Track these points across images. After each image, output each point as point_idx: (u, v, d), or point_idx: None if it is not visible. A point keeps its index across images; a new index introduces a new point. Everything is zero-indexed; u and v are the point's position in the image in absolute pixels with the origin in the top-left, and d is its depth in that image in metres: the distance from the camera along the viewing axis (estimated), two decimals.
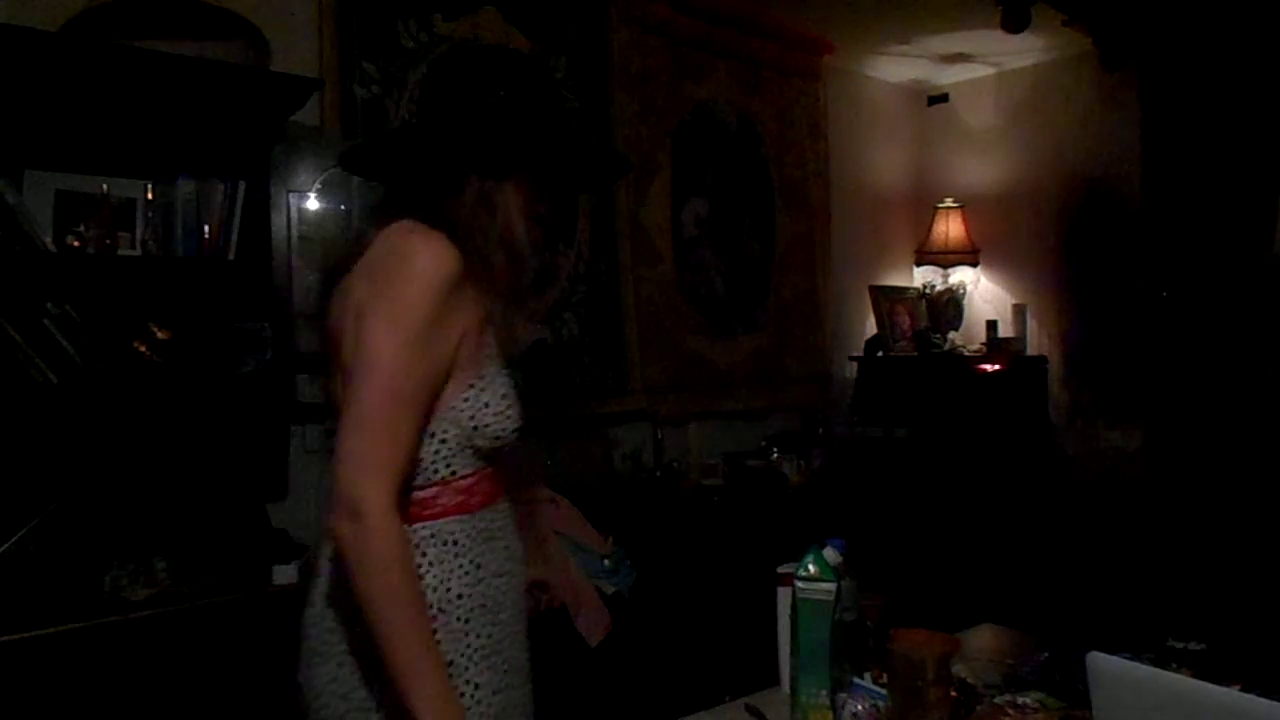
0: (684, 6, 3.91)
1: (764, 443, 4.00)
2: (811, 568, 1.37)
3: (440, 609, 1.22)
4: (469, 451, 1.26)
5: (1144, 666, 1.13)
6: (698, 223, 4.04)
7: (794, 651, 1.39)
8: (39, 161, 2.28)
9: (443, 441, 1.24)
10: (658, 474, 3.57)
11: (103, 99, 2.27)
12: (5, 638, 1.92)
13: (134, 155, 2.39)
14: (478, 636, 1.25)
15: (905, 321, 4.65)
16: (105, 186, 2.34)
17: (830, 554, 1.43)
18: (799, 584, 1.38)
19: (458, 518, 1.26)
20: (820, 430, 4.22)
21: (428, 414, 1.21)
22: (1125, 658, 1.06)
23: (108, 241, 2.32)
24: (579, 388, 3.54)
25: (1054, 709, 1.40)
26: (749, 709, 1.48)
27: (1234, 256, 3.87)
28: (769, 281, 4.32)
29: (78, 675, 2.00)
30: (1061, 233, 4.55)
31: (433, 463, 1.24)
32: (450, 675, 1.20)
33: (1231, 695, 0.94)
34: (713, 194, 4.09)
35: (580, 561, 2.82)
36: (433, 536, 1.24)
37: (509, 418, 1.28)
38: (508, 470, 1.37)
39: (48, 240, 2.25)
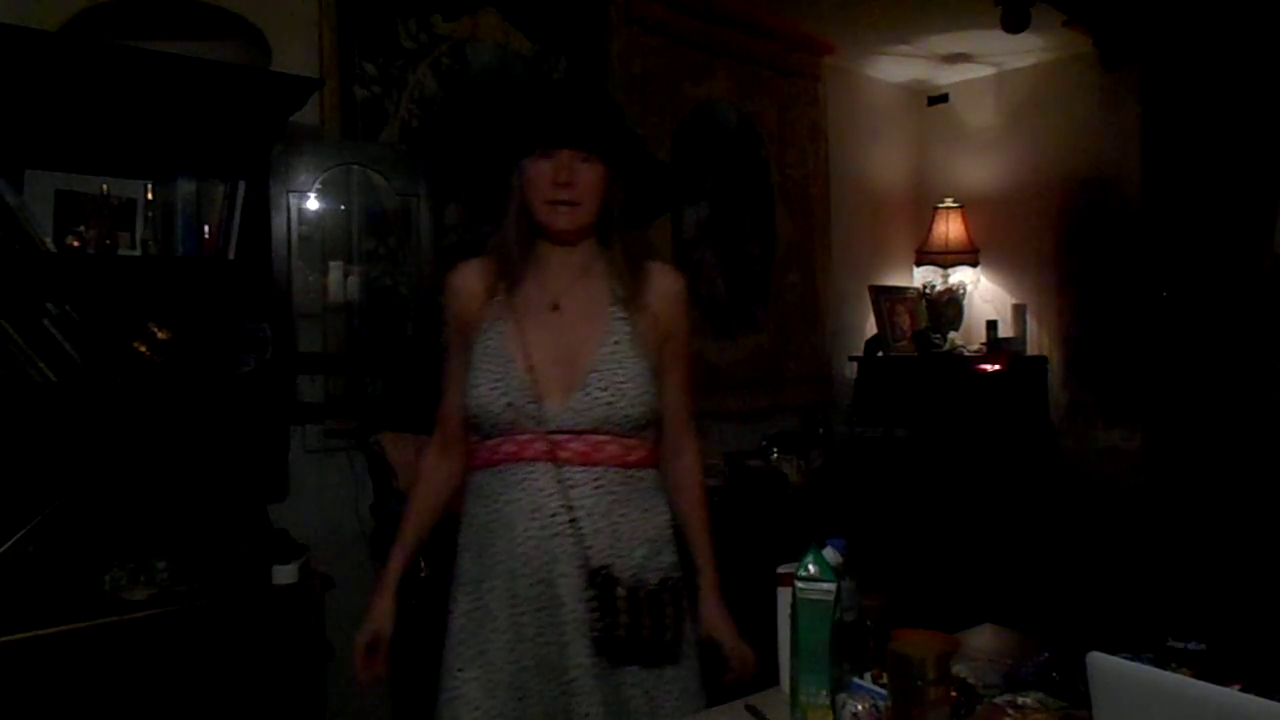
0: (684, 6, 3.91)
1: (764, 443, 4.00)
2: (811, 568, 1.37)
3: (461, 534, 1.58)
4: (470, 419, 1.55)
5: (1144, 666, 1.13)
6: (698, 223, 4.04)
7: (794, 651, 1.39)
8: (39, 161, 2.28)
9: (462, 409, 1.56)
10: None
11: (103, 99, 2.27)
12: (5, 638, 1.92)
13: (134, 155, 2.39)
14: (460, 567, 1.55)
15: (905, 321, 4.65)
16: (105, 186, 2.34)
17: (830, 554, 1.43)
18: (799, 584, 1.37)
19: (474, 471, 1.57)
20: (820, 430, 4.22)
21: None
22: (1125, 658, 1.06)
23: (108, 241, 2.32)
24: None
25: (1054, 709, 1.40)
26: (749, 709, 1.48)
27: (1234, 256, 3.87)
28: (769, 282, 4.32)
29: (78, 675, 2.00)
30: (1061, 233, 4.55)
31: (469, 422, 1.57)
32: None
33: (1231, 695, 0.94)
34: (713, 194, 4.09)
35: None
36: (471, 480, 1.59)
37: (472, 397, 1.52)
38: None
39: (48, 240, 2.25)
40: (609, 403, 1.50)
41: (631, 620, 1.43)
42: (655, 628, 1.45)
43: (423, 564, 2.17)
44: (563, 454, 1.49)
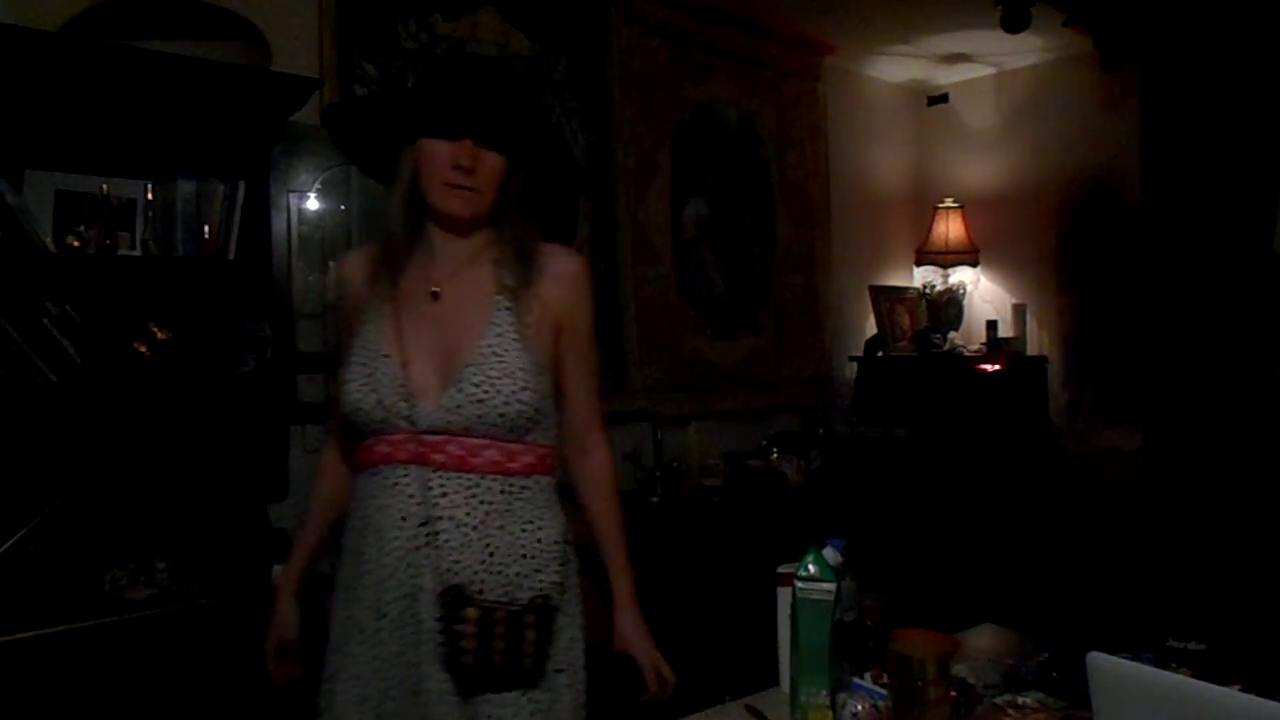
0: (684, 6, 3.90)
1: (764, 443, 4.00)
2: (811, 568, 1.38)
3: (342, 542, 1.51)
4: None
5: (1144, 666, 1.13)
6: (698, 223, 4.03)
7: (794, 651, 1.39)
8: (39, 161, 2.28)
9: None
10: (658, 474, 3.57)
11: (103, 99, 2.27)
12: (5, 638, 1.92)
13: (134, 155, 2.39)
14: (340, 571, 1.47)
15: (905, 321, 4.65)
16: (105, 186, 2.34)
17: (830, 554, 1.43)
18: (799, 584, 1.38)
19: (355, 472, 1.47)
20: (820, 430, 4.22)
21: None
22: (1125, 658, 1.06)
23: (108, 241, 2.32)
24: None
25: (1054, 709, 1.40)
26: (749, 709, 1.48)
27: (1234, 256, 3.87)
28: (769, 281, 4.32)
29: (78, 675, 2.00)
30: (1061, 233, 4.55)
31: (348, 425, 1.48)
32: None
33: (1231, 695, 0.94)
34: (713, 194, 4.09)
35: (580, 561, 2.81)
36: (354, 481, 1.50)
37: (343, 395, 1.43)
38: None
39: (48, 240, 2.25)
40: (481, 400, 1.37)
41: (481, 644, 1.32)
42: (510, 652, 1.33)
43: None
44: (436, 457, 1.37)
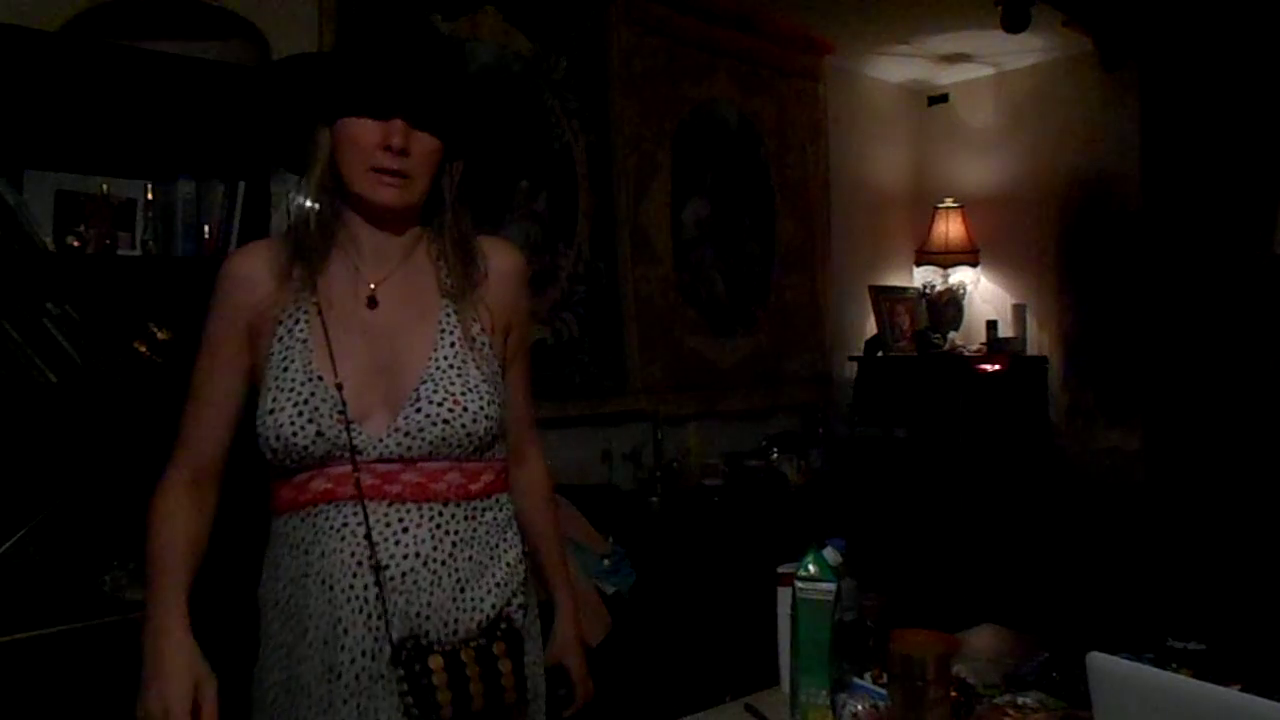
0: (684, 6, 3.90)
1: (764, 443, 4.00)
2: (811, 568, 1.38)
3: (261, 587, 1.31)
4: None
5: (1144, 666, 1.13)
6: (698, 223, 4.03)
7: (794, 651, 1.39)
8: (39, 161, 2.28)
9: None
10: (658, 474, 3.57)
11: (103, 99, 2.27)
12: (5, 638, 1.92)
13: (134, 155, 2.39)
14: (267, 629, 1.27)
15: (905, 321, 4.65)
16: (105, 186, 2.34)
17: (830, 554, 1.43)
18: (799, 584, 1.38)
19: (277, 514, 1.28)
20: (820, 430, 4.22)
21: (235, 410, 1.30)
22: (1125, 658, 1.06)
23: (108, 241, 2.32)
24: (578, 388, 3.54)
25: (1054, 709, 1.40)
26: (749, 709, 1.48)
27: (1234, 256, 3.87)
28: (769, 281, 4.32)
29: (78, 675, 2.00)
30: (1061, 233, 4.55)
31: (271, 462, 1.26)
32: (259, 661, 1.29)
33: (1231, 695, 0.94)
34: (713, 194, 4.09)
35: (580, 561, 2.82)
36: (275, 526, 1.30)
37: (270, 426, 1.20)
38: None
39: (48, 240, 2.24)
40: (446, 420, 1.21)
41: (456, 693, 1.16)
42: (489, 692, 1.18)
43: None
44: (390, 489, 1.20)
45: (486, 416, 1.25)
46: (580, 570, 2.79)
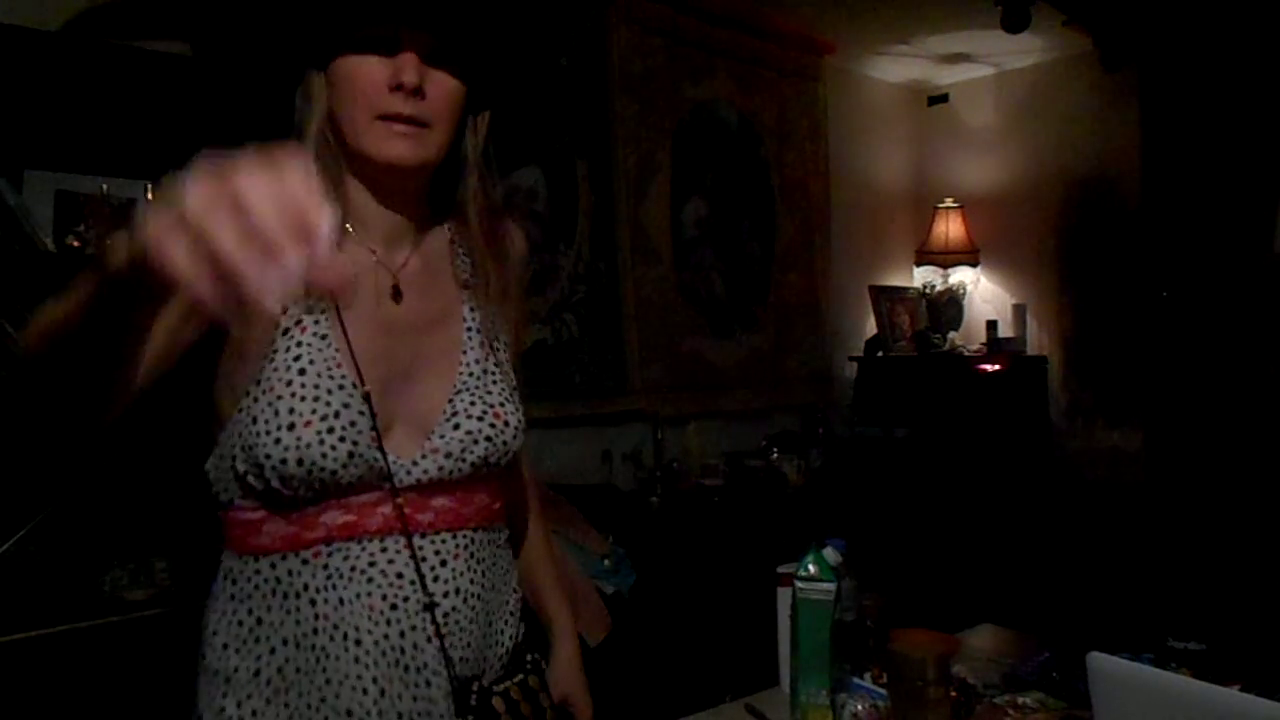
0: (684, 6, 3.90)
1: (764, 443, 4.00)
2: (811, 568, 1.37)
3: (203, 656, 1.01)
4: (241, 478, 0.97)
5: (1144, 666, 1.13)
6: (698, 223, 4.04)
7: (794, 651, 1.39)
8: (39, 161, 2.28)
9: (220, 458, 1.00)
10: (658, 474, 3.57)
11: (103, 99, 2.27)
12: (5, 638, 1.92)
13: (134, 155, 2.39)
14: (257, 688, 0.97)
15: (905, 321, 4.65)
16: (105, 186, 2.34)
17: (830, 554, 1.43)
18: (799, 584, 1.37)
19: (236, 555, 1.01)
20: (820, 430, 4.22)
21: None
22: (1125, 658, 1.06)
23: (108, 242, 2.32)
24: (578, 388, 3.54)
25: (1054, 709, 1.40)
26: (749, 709, 1.48)
27: (1234, 256, 3.87)
28: (769, 281, 4.32)
29: (78, 675, 2.00)
30: (1061, 233, 4.55)
31: (215, 481, 1.01)
32: None
33: (1231, 695, 0.94)
34: (712, 194, 4.09)
35: (580, 561, 2.82)
36: (220, 569, 1.02)
37: (290, 449, 0.93)
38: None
39: (48, 240, 2.25)
40: (489, 437, 1.04)
41: None
42: None
43: None
44: (423, 518, 1.01)
45: (522, 430, 1.09)
46: (580, 570, 2.79)
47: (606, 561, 2.91)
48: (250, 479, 0.96)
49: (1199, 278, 3.97)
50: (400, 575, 0.99)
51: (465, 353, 1.08)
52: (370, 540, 0.99)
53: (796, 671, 1.38)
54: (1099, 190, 4.41)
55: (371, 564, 0.98)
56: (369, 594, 0.98)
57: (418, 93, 0.96)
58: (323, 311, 0.99)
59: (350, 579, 0.97)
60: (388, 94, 0.96)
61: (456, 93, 1.00)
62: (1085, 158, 4.44)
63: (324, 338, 0.99)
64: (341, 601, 0.97)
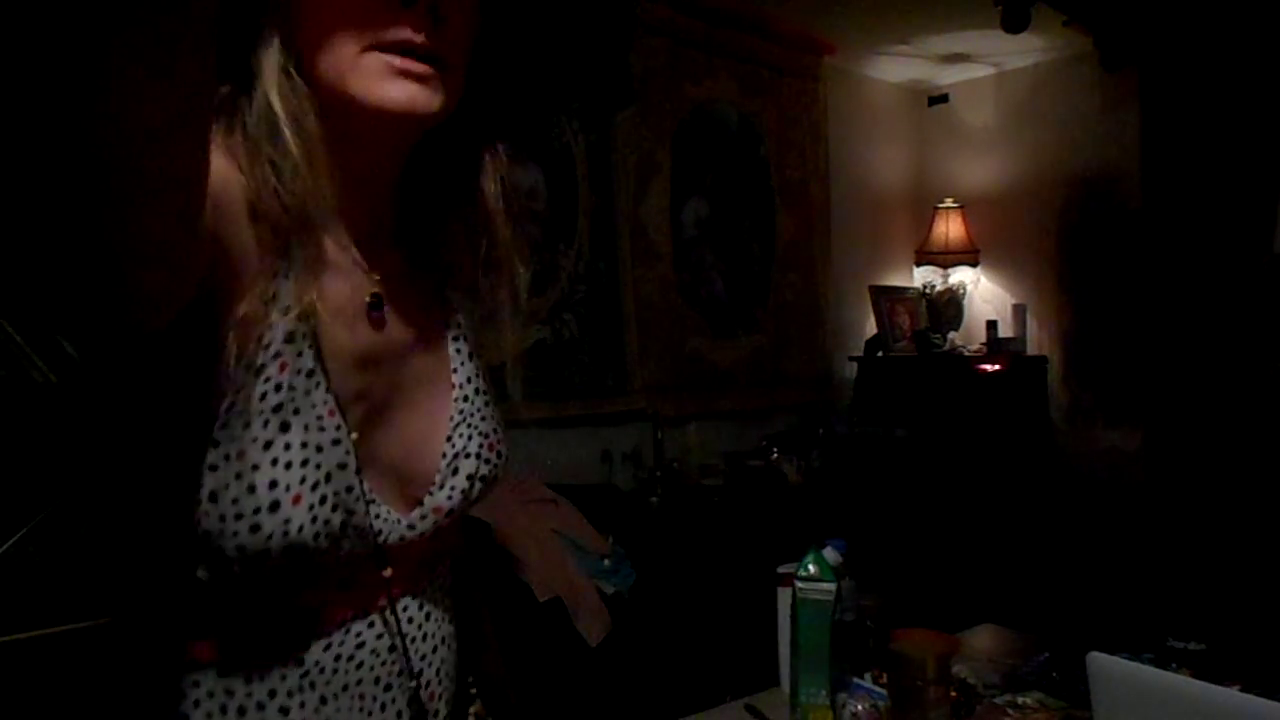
0: (684, 6, 3.90)
1: (764, 443, 4.00)
2: (811, 568, 1.38)
3: None
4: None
5: (1144, 666, 1.13)
6: (698, 223, 4.04)
7: (794, 651, 1.39)
8: None
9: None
10: (658, 474, 3.57)
11: None
12: (5, 638, 1.92)
13: None
14: None
15: (905, 321, 4.65)
16: None
17: (830, 554, 1.43)
18: (799, 584, 1.38)
19: (213, 675, 0.82)
20: (820, 430, 4.22)
21: None
22: (1125, 658, 1.06)
23: None
24: (578, 388, 3.54)
25: (1054, 709, 1.40)
26: (749, 709, 1.48)
27: (1234, 256, 3.87)
28: (769, 281, 4.32)
29: (77, 675, 2.00)
30: (1061, 233, 4.55)
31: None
32: None
33: (1231, 695, 0.94)
34: (712, 194, 4.09)
35: (580, 561, 2.82)
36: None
37: (269, 526, 0.69)
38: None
39: None
40: (484, 476, 0.85)
41: None
42: None
43: None
44: (399, 584, 0.80)
45: (508, 459, 0.89)
46: (580, 570, 2.80)
47: (606, 561, 2.91)
48: (242, 562, 0.70)
49: (1199, 278, 3.97)
50: (391, 648, 0.80)
51: (456, 371, 0.86)
52: (357, 622, 0.79)
53: (796, 671, 1.38)
54: (1099, 190, 4.41)
55: (362, 645, 0.79)
56: (360, 679, 0.79)
57: (433, 13, 0.68)
58: (304, 336, 0.72)
59: (340, 670, 0.78)
60: (387, 12, 0.67)
61: (473, 27, 0.73)
62: (1085, 158, 4.44)
63: (309, 374, 0.72)
64: (333, 695, 0.77)
